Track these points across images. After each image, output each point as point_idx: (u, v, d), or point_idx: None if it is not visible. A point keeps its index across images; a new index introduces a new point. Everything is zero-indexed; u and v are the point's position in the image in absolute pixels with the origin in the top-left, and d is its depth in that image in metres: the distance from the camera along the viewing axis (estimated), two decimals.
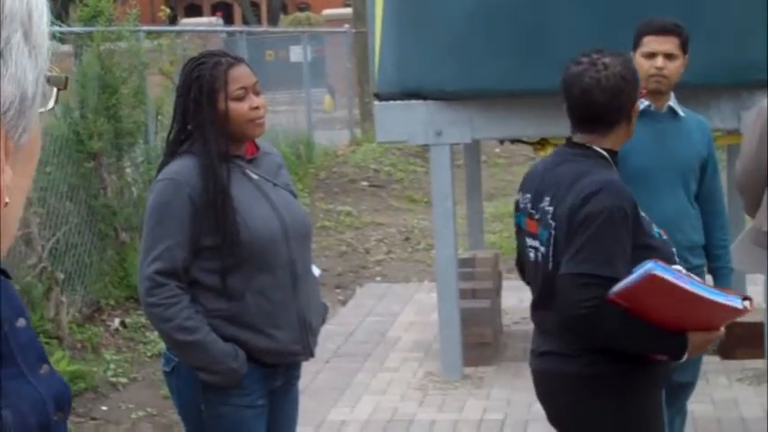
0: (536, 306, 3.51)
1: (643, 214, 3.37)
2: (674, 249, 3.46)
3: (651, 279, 3.15)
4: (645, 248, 3.28)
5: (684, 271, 3.27)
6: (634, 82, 3.42)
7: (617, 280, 3.20)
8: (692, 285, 3.20)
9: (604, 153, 3.40)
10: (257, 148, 3.73)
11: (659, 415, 3.47)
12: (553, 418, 3.54)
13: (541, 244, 3.40)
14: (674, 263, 3.35)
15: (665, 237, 3.45)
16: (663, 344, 3.29)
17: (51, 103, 1.09)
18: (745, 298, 3.29)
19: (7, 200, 1.04)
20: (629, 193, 3.33)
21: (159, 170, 3.64)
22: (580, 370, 3.35)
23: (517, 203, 3.57)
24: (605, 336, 3.27)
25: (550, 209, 3.36)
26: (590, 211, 3.24)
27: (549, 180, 3.41)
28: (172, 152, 3.62)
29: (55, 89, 1.09)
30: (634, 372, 3.34)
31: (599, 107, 3.37)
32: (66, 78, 1.11)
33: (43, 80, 1.06)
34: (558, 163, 3.45)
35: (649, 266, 3.15)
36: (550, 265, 3.36)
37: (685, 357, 3.32)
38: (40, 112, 1.07)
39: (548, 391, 3.49)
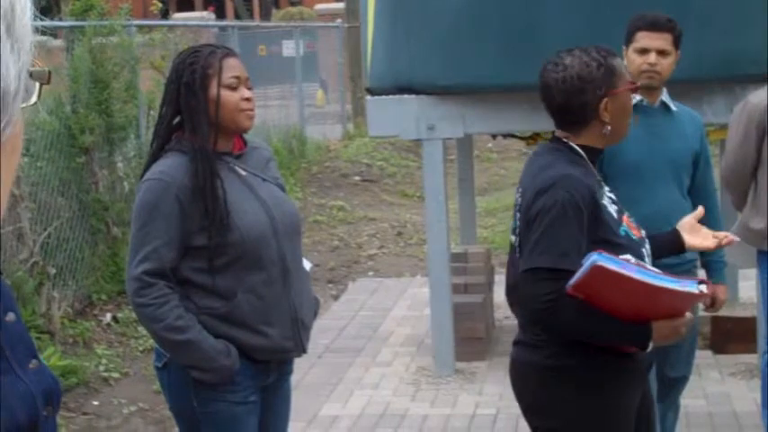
0: (507, 295, 3.56)
1: (611, 211, 3.36)
2: (644, 249, 3.43)
3: (596, 270, 3.13)
4: (606, 244, 3.26)
5: (633, 260, 3.24)
6: (596, 80, 3.35)
7: (575, 272, 3.20)
8: (640, 274, 3.16)
9: (579, 149, 3.40)
10: (245, 143, 3.70)
11: (622, 411, 3.43)
12: (520, 404, 3.57)
13: (512, 234, 3.46)
14: (644, 261, 3.34)
15: (635, 237, 3.41)
16: (626, 334, 3.29)
17: (34, 98, 1.07)
18: (702, 282, 3.27)
19: None
20: (586, 188, 3.31)
21: (146, 169, 3.60)
22: (544, 360, 3.38)
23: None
24: (566, 329, 3.29)
25: (520, 201, 3.40)
26: (542, 206, 3.27)
27: (525, 174, 3.45)
28: (161, 143, 3.59)
29: (38, 84, 1.07)
30: (597, 365, 3.34)
31: (560, 106, 3.39)
32: (50, 72, 1.09)
33: (26, 75, 1.04)
34: (541, 156, 3.48)
35: (593, 258, 3.14)
36: (518, 256, 3.40)
37: (651, 347, 3.32)
38: (23, 107, 1.06)
39: (516, 379, 3.53)
